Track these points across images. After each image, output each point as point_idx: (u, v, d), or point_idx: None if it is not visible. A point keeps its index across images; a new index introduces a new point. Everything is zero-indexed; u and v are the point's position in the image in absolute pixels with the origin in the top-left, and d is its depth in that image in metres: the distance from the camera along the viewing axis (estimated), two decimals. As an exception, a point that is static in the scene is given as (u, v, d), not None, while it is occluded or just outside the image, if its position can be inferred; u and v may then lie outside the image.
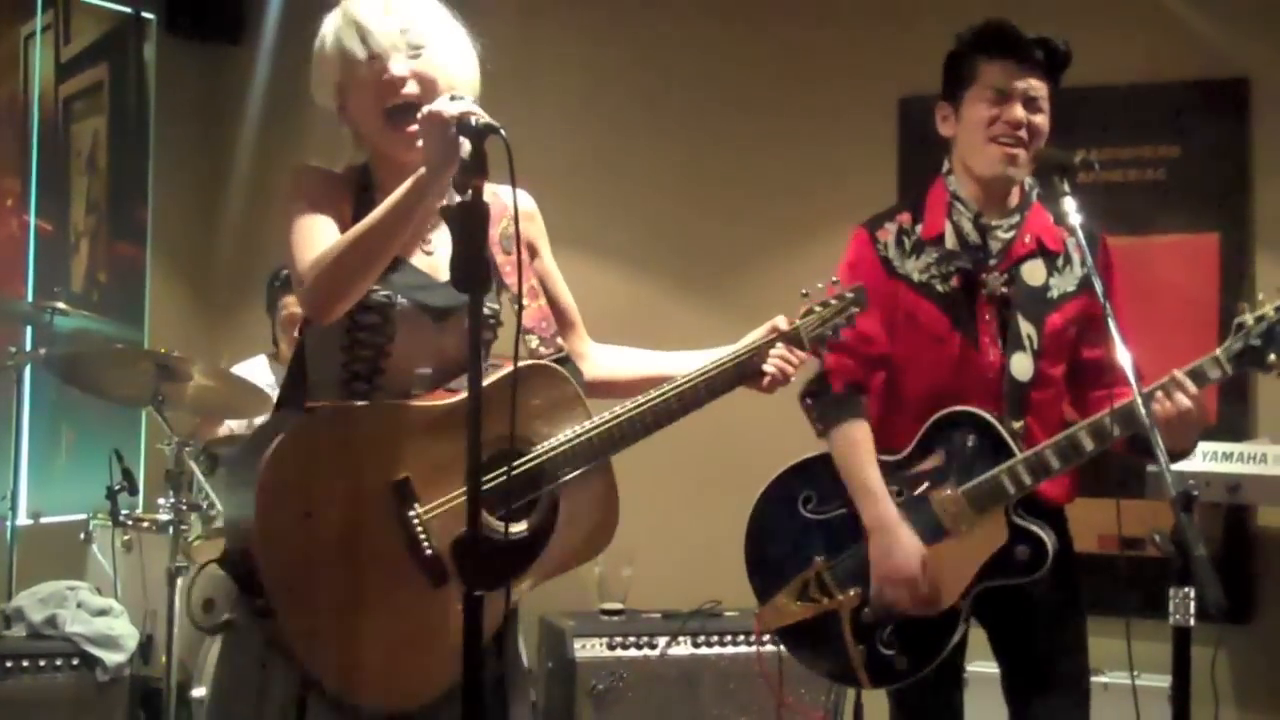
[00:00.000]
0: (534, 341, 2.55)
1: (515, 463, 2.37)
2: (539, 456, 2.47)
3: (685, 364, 2.68)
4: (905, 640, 3.04)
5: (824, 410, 3.13)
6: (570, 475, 2.50)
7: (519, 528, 2.46)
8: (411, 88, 2.43)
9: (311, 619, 2.30)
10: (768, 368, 2.68)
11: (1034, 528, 3.00)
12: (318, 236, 2.39)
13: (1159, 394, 2.86)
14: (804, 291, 2.80)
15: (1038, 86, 3.07)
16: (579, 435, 2.51)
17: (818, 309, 2.78)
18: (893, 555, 3.00)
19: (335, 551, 2.31)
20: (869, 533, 3.04)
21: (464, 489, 2.27)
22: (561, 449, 2.49)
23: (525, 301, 2.54)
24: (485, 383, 2.32)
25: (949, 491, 3.02)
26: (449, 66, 2.48)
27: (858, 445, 3.09)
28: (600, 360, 2.76)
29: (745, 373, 2.68)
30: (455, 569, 2.37)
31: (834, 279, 2.86)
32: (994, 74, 3.07)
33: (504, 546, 2.37)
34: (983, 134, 3.07)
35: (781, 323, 2.73)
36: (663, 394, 2.59)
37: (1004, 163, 3.07)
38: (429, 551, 2.36)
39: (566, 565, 2.54)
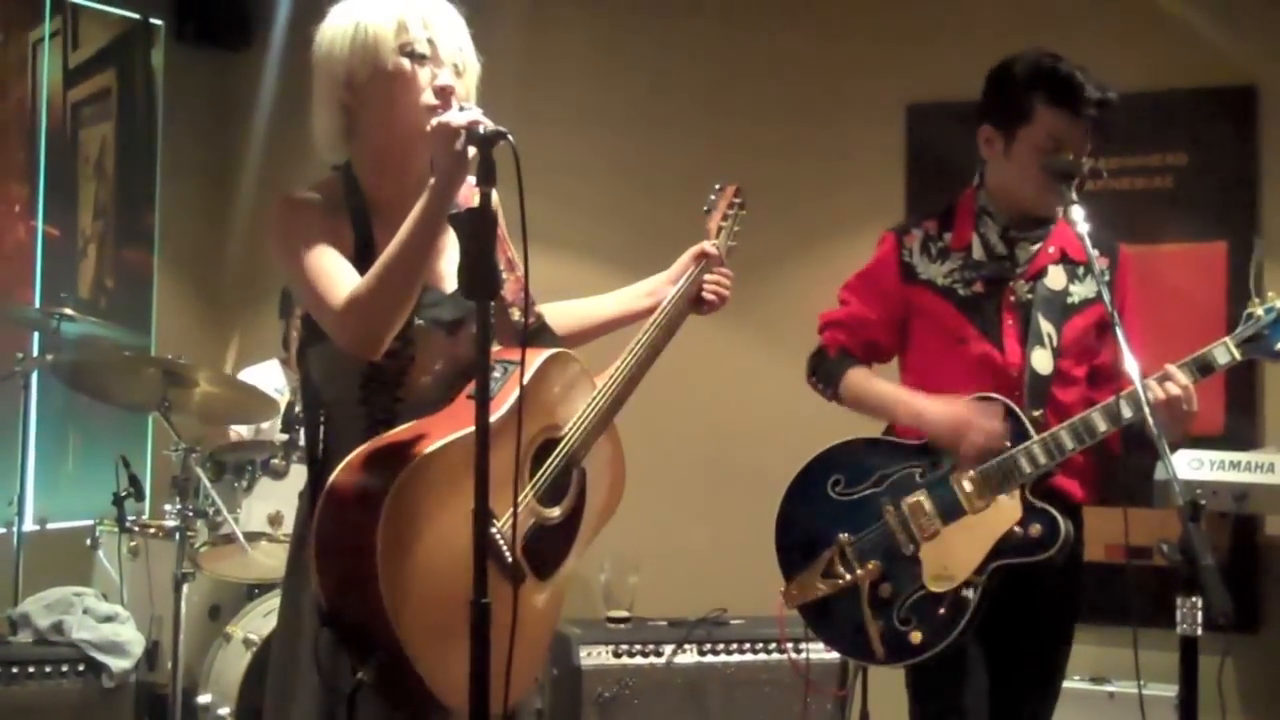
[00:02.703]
0: (515, 314, 2.60)
1: (557, 450, 2.54)
2: (573, 437, 2.58)
3: (621, 302, 2.87)
4: (921, 616, 3.07)
5: (825, 375, 3.32)
6: (593, 444, 2.62)
7: (564, 508, 2.57)
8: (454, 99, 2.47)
9: (442, 655, 2.27)
10: (707, 294, 2.88)
11: (1048, 507, 3.04)
12: (336, 273, 2.39)
13: (1150, 382, 2.92)
14: (705, 208, 3.05)
15: (1088, 134, 3.13)
16: (594, 407, 2.61)
17: (723, 224, 3.05)
18: (942, 420, 3.09)
19: (448, 587, 2.29)
20: (916, 424, 3.15)
21: (526, 493, 2.47)
22: (587, 424, 2.59)
23: (505, 275, 2.58)
24: (512, 395, 2.41)
25: (970, 472, 3.08)
26: (472, 94, 2.54)
27: (865, 380, 3.28)
28: (554, 322, 2.79)
29: (690, 302, 2.86)
30: (528, 563, 2.45)
31: (717, 185, 3.10)
32: (1054, 123, 3.09)
33: (557, 530, 2.54)
34: (1034, 183, 3.11)
35: (709, 247, 2.93)
36: (640, 345, 2.71)
37: (1053, 209, 3.15)
38: (509, 559, 2.38)
39: (598, 527, 2.67)
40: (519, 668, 2.35)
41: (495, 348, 2.48)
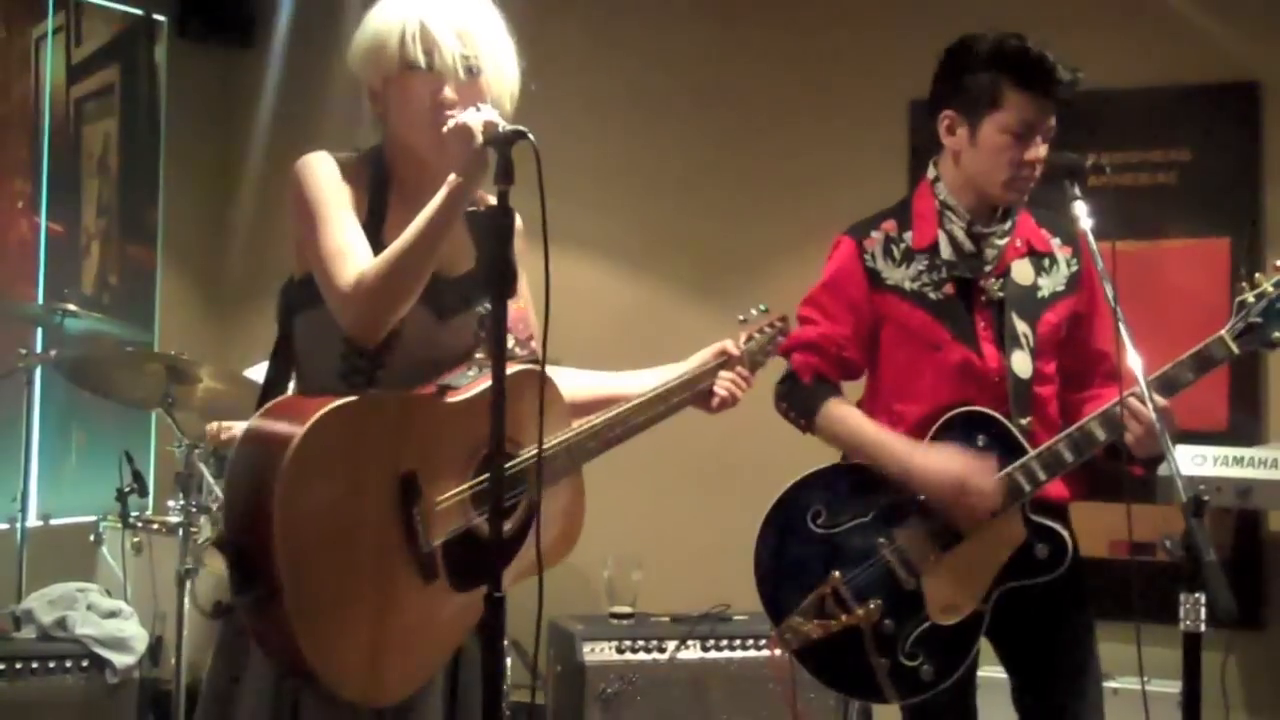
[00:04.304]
0: (510, 341, 2.52)
1: (506, 464, 2.38)
2: (526, 460, 2.48)
3: (637, 384, 2.78)
4: (928, 649, 3.00)
5: (802, 404, 3.13)
6: (554, 479, 2.53)
7: (505, 527, 2.46)
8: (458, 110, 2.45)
9: (316, 605, 2.29)
10: (719, 390, 2.83)
11: (1052, 524, 3.00)
12: (350, 247, 2.39)
13: (1132, 401, 2.85)
14: (741, 317, 2.96)
15: (1053, 120, 3.03)
16: (560, 442, 2.55)
17: (757, 335, 2.96)
18: (932, 480, 2.96)
19: (344, 539, 2.32)
20: (906, 479, 2.99)
21: (463, 487, 2.40)
22: (546, 453, 2.48)
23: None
24: (481, 387, 2.41)
25: None
26: (496, 90, 2.52)
27: (847, 415, 3.10)
28: (558, 382, 2.74)
29: (696, 393, 2.81)
30: (444, 565, 2.39)
31: (762, 306, 3.03)
32: (1025, 107, 2.98)
33: (490, 545, 2.37)
34: (1005, 171, 3.01)
35: (731, 346, 2.88)
36: (626, 409, 2.67)
37: (1020, 198, 3.06)
38: (424, 548, 2.37)
39: (537, 569, 2.50)
40: (412, 666, 2.37)
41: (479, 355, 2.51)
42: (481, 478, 2.42)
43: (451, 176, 2.32)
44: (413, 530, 2.36)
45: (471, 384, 2.46)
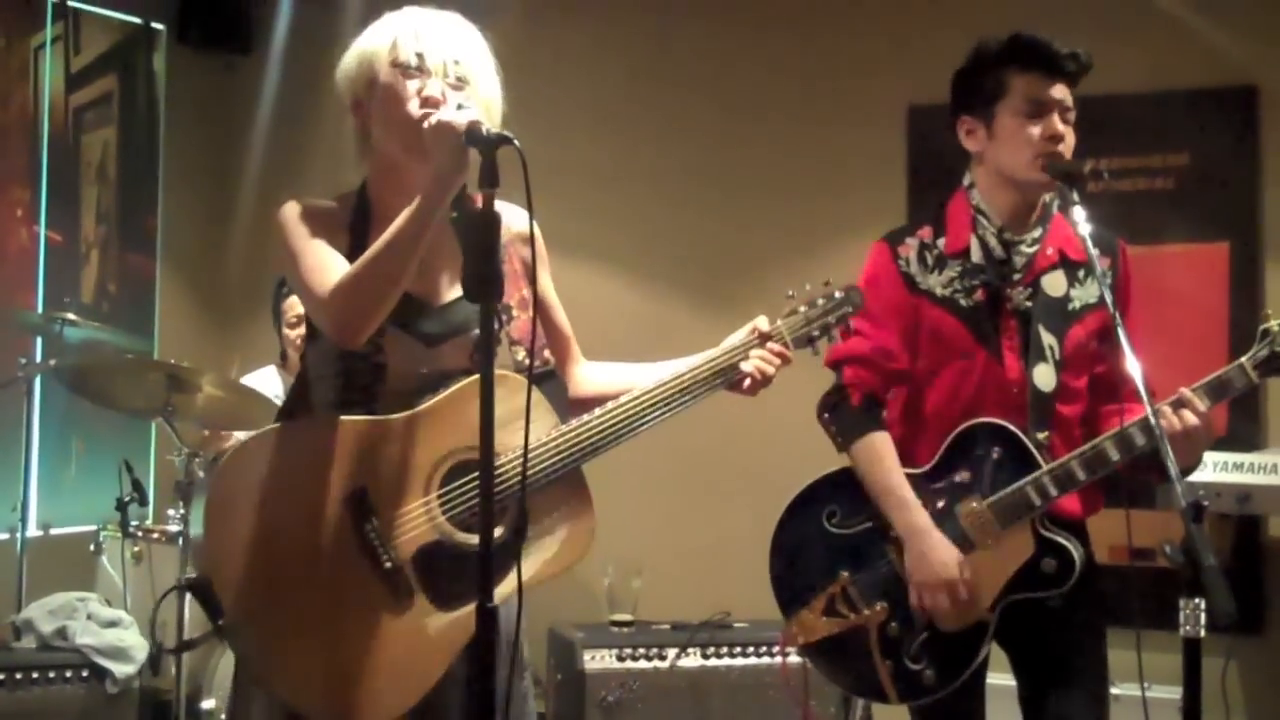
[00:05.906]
0: (520, 353, 2.54)
1: (472, 475, 2.40)
2: (502, 464, 2.41)
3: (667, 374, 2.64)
4: (933, 654, 3.01)
5: (843, 425, 3.13)
6: (539, 483, 2.45)
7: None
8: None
9: (271, 639, 2.30)
10: (746, 367, 2.62)
11: (1061, 539, 2.99)
12: (327, 262, 2.41)
13: (1165, 409, 2.86)
14: (789, 293, 2.75)
15: (1068, 96, 3.05)
16: (554, 446, 2.48)
17: (802, 309, 2.74)
18: (928, 560, 2.98)
19: (292, 569, 2.32)
20: (903, 540, 3.02)
21: (423, 500, 2.39)
22: (522, 457, 2.37)
23: (515, 313, 2.56)
24: (439, 397, 2.42)
25: (975, 504, 3.01)
26: (481, 105, 2.49)
27: (881, 456, 3.09)
28: (590, 377, 2.75)
29: (725, 377, 2.63)
30: (419, 582, 2.38)
31: (826, 280, 2.83)
32: (1029, 86, 3.03)
33: (473, 558, 2.29)
34: (1027, 149, 3.02)
35: (762, 323, 2.69)
36: (635, 399, 2.55)
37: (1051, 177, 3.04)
38: (387, 564, 2.36)
39: (540, 576, 2.47)
40: (398, 685, 2.35)
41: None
42: (447, 488, 2.41)
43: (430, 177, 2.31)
44: (371, 550, 2.36)
45: (432, 401, 2.45)
